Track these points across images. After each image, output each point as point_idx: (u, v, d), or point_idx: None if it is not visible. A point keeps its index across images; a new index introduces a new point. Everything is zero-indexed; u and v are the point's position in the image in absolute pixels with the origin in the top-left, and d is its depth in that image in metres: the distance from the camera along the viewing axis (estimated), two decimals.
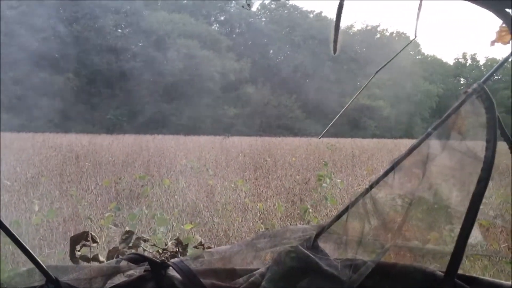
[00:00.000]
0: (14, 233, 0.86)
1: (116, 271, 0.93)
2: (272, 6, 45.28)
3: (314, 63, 43.00)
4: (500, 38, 0.89)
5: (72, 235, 1.20)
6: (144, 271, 0.95)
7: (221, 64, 41.01)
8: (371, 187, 1.05)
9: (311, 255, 1.00)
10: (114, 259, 0.98)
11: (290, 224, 4.21)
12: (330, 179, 5.91)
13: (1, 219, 0.87)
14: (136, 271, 0.95)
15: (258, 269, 1.00)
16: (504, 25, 0.87)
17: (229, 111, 40.63)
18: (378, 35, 49.71)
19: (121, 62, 38.15)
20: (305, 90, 44.23)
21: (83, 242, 1.17)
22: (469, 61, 48.11)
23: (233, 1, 41.61)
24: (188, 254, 1.31)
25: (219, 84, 41.01)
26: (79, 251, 1.17)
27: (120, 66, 37.72)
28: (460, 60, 48.19)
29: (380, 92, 42.22)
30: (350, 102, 1.39)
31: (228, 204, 5.02)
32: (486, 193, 0.90)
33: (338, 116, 1.35)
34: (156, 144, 14.19)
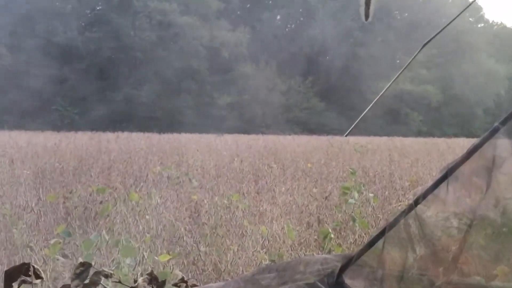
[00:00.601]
0: None
1: None
2: None
3: (337, 34, 43.05)
4: None
5: (6, 268, 1.20)
6: None
7: (210, 36, 41.04)
8: (416, 202, 1.06)
9: None
10: None
11: (304, 254, 4.22)
12: (360, 193, 5.92)
13: None
14: None
15: None
16: None
17: (220, 100, 40.62)
18: None
19: (72, 33, 38.15)
20: (324, 71, 44.31)
21: (22, 277, 1.18)
22: None
23: None
24: None
25: (207, 62, 41.07)
26: None
27: (71, 38, 37.69)
28: None
29: (428, 74, 42.22)
30: (387, 87, 1.39)
31: (219, 227, 5.03)
32: None
33: (370, 106, 1.36)
34: (120, 145, 14.24)
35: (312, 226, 5.28)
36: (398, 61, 44.13)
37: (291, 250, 4.33)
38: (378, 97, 1.32)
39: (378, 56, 41.71)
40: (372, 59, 41.70)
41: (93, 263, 1.39)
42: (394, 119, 39.35)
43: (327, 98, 40.80)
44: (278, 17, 47.58)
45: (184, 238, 4.68)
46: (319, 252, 4.31)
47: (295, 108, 41.26)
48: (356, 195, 5.73)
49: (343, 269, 1.08)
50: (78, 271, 1.30)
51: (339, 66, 42.03)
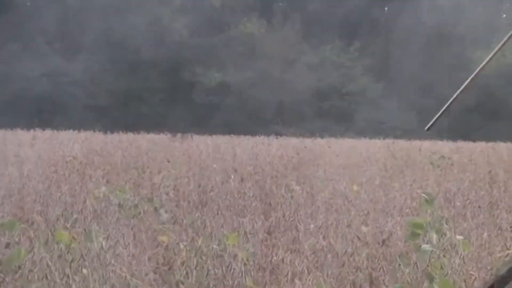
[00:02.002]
0: None
1: None
2: None
3: None
4: None
5: None
6: None
7: None
8: None
9: None
10: None
11: None
12: (440, 235, 5.90)
13: None
14: None
15: None
16: None
17: (206, 79, 40.33)
18: None
19: None
20: (381, 31, 44.24)
21: None
22: None
23: None
24: None
25: (185, 16, 41.00)
26: None
27: None
28: None
29: None
30: (486, 61, 1.40)
31: None
32: None
33: (460, 90, 1.38)
34: (39, 151, 14.24)
35: None
36: (504, 15, 44.18)
37: None
38: (473, 75, 1.33)
39: (471, 7, 41.67)
40: (462, 11, 41.67)
41: None
42: (497, 114, 39.20)
43: (386, 76, 40.64)
44: None
45: None
46: None
47: (333, 93, 41.15)
48: (435, 237, 5.73)
49: None
50: None
51: (406, 23, 41.88)
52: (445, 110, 1.32)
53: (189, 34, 40.22)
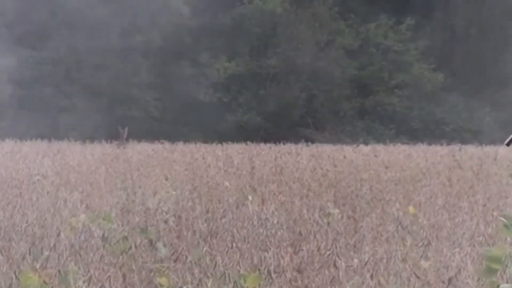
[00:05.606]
0: None
1: None
2: None
3: None
4: None
5: None
6: None
7: None
8: None
9: None
10: None
11: None
12: None
13: None
14: None
15: None
16: None
17: (213, 69, 39.93)
18: None
19: None
20: (443, 1, 43.82)
21: None
22: None
23: None
24: None
25: None
26: None
27: None
28: None
29: None
30: None
31: None
32: None
33: None
34: None
35: None
36: None
37: None
38: None
39: None
40: None
41: None
42: None
43: (448, 63, 40.38)
44: None
45: None
46: None
47: (378, 86, 40.91)
48: None
49: None
50: None
51: None
52: None
53: (190, 12, 40.09)
